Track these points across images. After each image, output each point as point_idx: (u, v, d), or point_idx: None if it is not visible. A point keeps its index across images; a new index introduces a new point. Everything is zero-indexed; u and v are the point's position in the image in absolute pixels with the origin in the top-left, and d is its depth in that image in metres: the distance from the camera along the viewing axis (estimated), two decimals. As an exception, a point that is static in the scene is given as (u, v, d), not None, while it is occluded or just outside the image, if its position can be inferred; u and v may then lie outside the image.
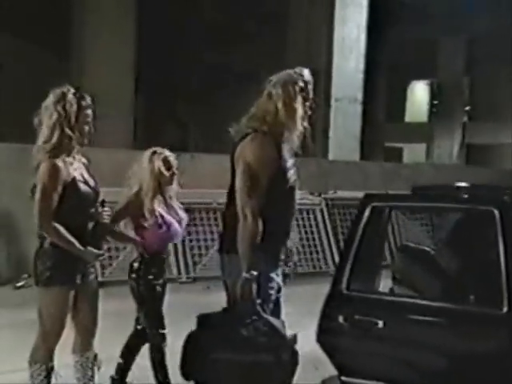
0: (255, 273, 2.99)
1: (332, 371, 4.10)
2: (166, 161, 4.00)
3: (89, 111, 3.39)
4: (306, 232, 8.82)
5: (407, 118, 28.24)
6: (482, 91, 24.17)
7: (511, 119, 21.84)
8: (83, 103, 3.35)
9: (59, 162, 3.30)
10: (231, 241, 3.08)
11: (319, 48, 16.20)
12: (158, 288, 4.07)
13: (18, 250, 7.72)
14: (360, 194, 9.12)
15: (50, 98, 3.31)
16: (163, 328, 4.13)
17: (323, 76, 15.74)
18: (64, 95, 3.30)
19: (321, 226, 8.94)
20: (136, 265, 4.04)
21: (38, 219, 3.29)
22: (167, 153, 4.06)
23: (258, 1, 18.12)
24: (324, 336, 3.15)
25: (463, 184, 3.51)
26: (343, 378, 3.08)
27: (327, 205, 9.12)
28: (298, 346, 5.43)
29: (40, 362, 3.45)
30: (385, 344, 3.01)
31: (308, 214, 8.92)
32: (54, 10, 14.30)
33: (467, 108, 25.64)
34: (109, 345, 5.14)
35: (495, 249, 2.94)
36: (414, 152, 26.02)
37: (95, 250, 3.46)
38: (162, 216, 3.93)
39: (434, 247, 3.98)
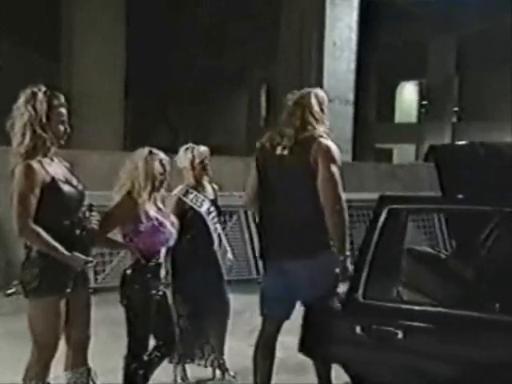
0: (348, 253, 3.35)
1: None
2: (161, 163, 3.80)
3: (62, 110, 3.21)
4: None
5: (397, 119, 28.21)
6: (472, 92, 24.18)
7: (500, 119, 21.83)
8: (55, 102, 3.17)
9: (34, 163, 3.11)
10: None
11: (311, 49, 16.11)
12: (155, 298, 3.79)
13: (7, 255, 7.51)
14: (356, 196, 8.96)
15: (21, 99, 3.14)
16: (146, 351, 3.84)
17: (315, 77, 15.66)
18: (34, 95, 3.13)
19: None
20: (130, 272, 3.79)
21: (16, 224, 3.09)
22: (162, 155, 3.85)
23: (250, 3, 18.00)
24: (339, 348, 2.98)
25: None
26: (361, 391, 2.92)
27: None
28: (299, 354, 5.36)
29: (35, 379, 3.24)
30: (405, 356, 2.85)
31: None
32: (46, 12, 14.12)
33: (456, 108, 25.64)
34: (105, 355, 4.96)
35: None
36: (403, 153, 25.98)
37: (83, 256, 3.25)
38: (156, 218, 3.73)
39: (438, 250, 3.79)
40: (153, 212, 3.69)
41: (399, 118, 28.20)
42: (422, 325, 2.87)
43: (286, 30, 17.08)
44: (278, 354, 5.29)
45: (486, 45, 20.78)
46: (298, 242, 3.47)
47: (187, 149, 4.37)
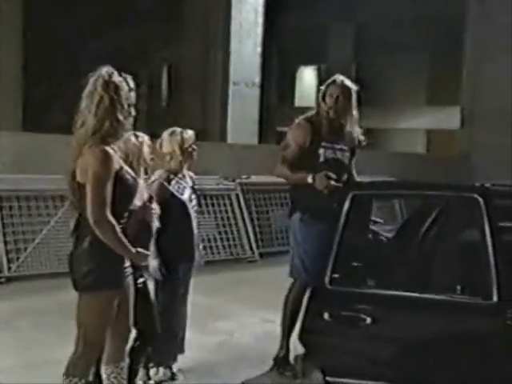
0: None
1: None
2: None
3: (133, 94, 3.02)
4: (222, 218, 8.57)
5: (297, 103, 28.56)
6: (368, 78, 24.85)
7: (395, 105, 22.63)
8: (130, 85, 2.99)
9: (110, 149, 2.89)
10: None
11: (217, 31, 16.00)
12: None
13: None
14: (275, 179, 8.99)
15: (97, 82, 2.90)
16: None
17: (221, 59, 15.57)
18: (111, 77, 2.92)
19: (237, 211, 8.72)
20: None
21: (92, 213, 2.83)
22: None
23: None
24: (307, 335, 2.95)
25: None
26: (328, 378, 2.90)
27: (243, 190, 8.91)
28: (234, 339, 5.35)
29: (78, 376, 3.01)
30: (373, 341, 2.86)
31: (224, 199, 8.67)
32: None
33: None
34: (27, 349, 4.71)
35: (480, 237, 2.87)
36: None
37: (146, 252, 3.09)
38: None
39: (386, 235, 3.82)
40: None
41: (299, 101, 28.56)
42: (390, 310, 2.89)
43: (192, 10, 16.84)
44: (216, 338, 5.29)
45: (383, 31, 21.43)
46: None
47: (173, 132, 4.05)
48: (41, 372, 4.22)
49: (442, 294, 2.89)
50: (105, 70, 2.95)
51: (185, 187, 4.00)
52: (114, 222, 2.85)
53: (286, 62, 25.39)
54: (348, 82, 4.33)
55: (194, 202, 4.07)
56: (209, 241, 8.29)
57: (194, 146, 4.05)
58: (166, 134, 4.07)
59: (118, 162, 2.93)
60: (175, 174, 3.99)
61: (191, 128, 4.17)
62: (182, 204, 3.90)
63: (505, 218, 3.06)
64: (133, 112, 3.03)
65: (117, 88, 2.90)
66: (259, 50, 15.75)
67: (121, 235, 2.90)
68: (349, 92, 4.27)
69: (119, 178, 2.92)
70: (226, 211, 8.65)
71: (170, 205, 3.87)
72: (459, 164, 13.38)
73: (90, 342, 3.02)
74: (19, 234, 6.84)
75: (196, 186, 4.22)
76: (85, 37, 18.90)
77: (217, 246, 8.38)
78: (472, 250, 2.94)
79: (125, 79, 2.98)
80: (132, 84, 3.02)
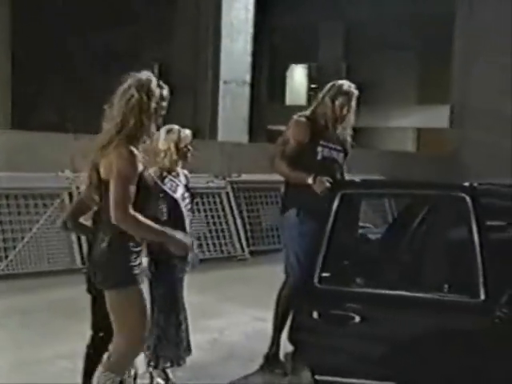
0: None
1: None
2: None
3: (165, 104, 3.03)
4: (212, 216, 8.58)
5: (287, 101, 28.59)
6: (358, 76, 24.89)
7: (385, 104, 22.69)
8: (164, 93, 2.99)
9: (135, 150, 2.91)
10: None
11: (207, 30, 15.98)
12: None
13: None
14: (265, 177, 9.01)
15: (132, 82, 2.92)
16: None
17: (211, 58, 15.57)
18: (148, 81, 2.93)
19: (227, 209, 8.73)
20: None
21: (116, 211, 2.84)
22: None
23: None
24: (296, 334, 2.96)
25: None
26: (317, 376, 2.91)
27: (233, 188, 8.92)
28: (224, 337, 5.36)
29: (116, 372, 2.98)
30: (362, 340, 2.88)
31: (214, 197, 8.68)
32: None
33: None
34: (15, 348, 4.70)
35: (468, 236, 2.89)
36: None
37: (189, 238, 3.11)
38: None
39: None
40: None
41: (289, 100, 28.59)
42: (379, 308, 2.91)
43: (183, 9, 16.82)
44: (206, 337, 5.30)
45: (373, 30, 21.49)
46: None
47: (170, 130, 4.01)
48: (30, 370, 4.22)
49: (431, 292, 2.91)
50: (145, 73, 2.97)
51: (178, 185, 3.99)
52: (136, 215, 2.86)
53: (277, 61, 25.38)
54: (356, 91, 4.43)
55: (188, 200, 4.06)
56: (199, 239, 8.29)
57: (190, 147, 4.03)
58: (163, 131, 3.99)
59: (142, 163, 2.94)
60: (169, 172, 3.97)
61: (182, 126, 4.15)
62: (175, 202, 3.89)
63: (492, 217, 3.08)
64: (159, 120, 3.04)
65: (149, 91, 2.92)
66: (250, 48, 15.76)
67: (149, 223, 2.91)
68: (355, 101, 4.41)
69: (142, 179, 2.93)
70: (217, 209, 8.66)
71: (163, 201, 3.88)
72: (449, 162, 13.43)
73: (132, 338, 3.00)
74: (8, 233, 6.82)
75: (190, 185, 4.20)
76: (75, 35, 18.83)
77: (207, 245, 8.38)
78: (460, 249, 2.96)
79: (161, 87, 2.98)
80: (167, 94, 3.02)
